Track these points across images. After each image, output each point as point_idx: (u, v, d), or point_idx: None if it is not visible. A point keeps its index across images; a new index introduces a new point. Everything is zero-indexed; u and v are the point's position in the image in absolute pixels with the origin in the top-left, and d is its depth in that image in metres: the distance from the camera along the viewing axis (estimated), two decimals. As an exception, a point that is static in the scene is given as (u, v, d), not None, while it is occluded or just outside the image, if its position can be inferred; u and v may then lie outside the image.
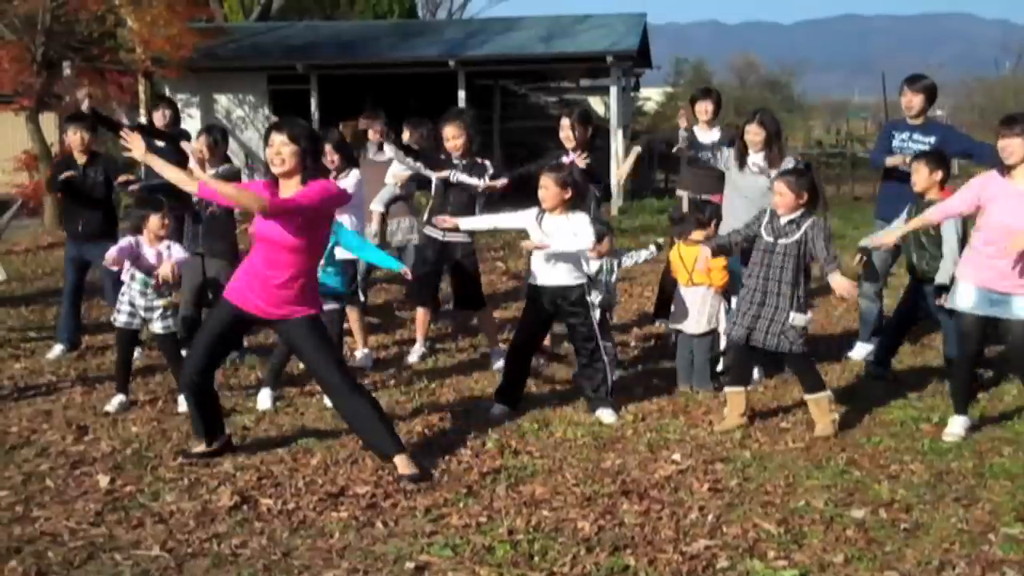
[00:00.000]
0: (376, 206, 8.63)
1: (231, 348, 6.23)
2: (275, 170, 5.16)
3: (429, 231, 7.46)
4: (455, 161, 7.25)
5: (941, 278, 6.40)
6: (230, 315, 5.34)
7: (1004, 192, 5.63)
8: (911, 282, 7.01)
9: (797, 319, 5.85)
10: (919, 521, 4.65)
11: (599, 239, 6.71)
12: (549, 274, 6.19)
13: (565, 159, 7.24)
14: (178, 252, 6.41)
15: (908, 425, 6.07)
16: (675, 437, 5.88)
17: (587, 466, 5.37)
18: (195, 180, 5.28)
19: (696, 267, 6.58)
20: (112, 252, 6.25)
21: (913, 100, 7.51)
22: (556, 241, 6.08)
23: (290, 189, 5.16)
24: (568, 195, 6.11)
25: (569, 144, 7.32)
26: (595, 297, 6.61)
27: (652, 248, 7.15)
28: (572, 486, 5.07)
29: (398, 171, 8.44)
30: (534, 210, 6.23)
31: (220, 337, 5.40)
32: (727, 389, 6.09)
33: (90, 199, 7.65)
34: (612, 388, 6.33)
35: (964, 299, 5.78)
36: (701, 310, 6.78)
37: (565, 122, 7.36)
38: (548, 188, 6.11)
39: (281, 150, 5.11)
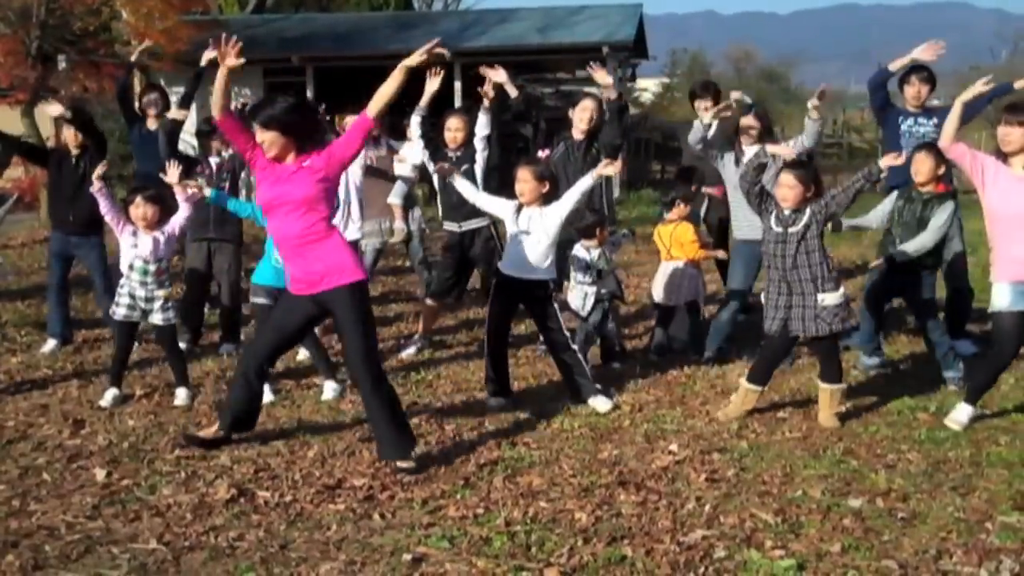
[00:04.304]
0: (395, 199, 8.53)
1: (295, 342, 6.07)
2: (268, 156, 5.15)
3: (447, 225, 7.42)
4: (450, 154, 7.23)
5: (909, 247, 6.53)
6: (289, 306, 5.35)
7: (1003, 178, 5.64)
8: (883, 270, 6.92)
9: (827, 299, 5.80)
10: (916, 510, 4.65)
11: (594, 227, 6.75)
12: (518, 266, 6.20)
13: (541, 154, 7.25)
14: (177, 221, 6.43)
15: (905, 414, 6.07)
16: (672, 427, 5.88)
17: (584, 457, 5.37)
18: (222, 109, 5.19)
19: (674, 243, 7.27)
20: (107, 204, 6.33)
21: (922, 90, 7.52)
22: (533, 235, 6.14)
23: (289, 159, 5.17)
24: (545, 188, 6.16)
25: (583, 125, 7.26)
26: (602, 289, 6.77)
27: (627, 232, 7.32)
28: (569, 477, 5.07)
29: (407, 155, 8.36)
30: (514, 203, 6.26)
31: (283, 331, 5.41)
32: (745, 384, 6.04)
33: (79, 190, 7.63)
34: (592, 374, 6.33)
35: (1001, 299, 5.69)
36: (680, 283, 7.29)
37: (588, 103, 7.31)
38: (527, 182, 6.15)
39: (263, 138, 5.10)
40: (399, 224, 8.59)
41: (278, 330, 5.43)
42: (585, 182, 6.14)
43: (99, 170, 6.48)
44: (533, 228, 6.15)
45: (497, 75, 7.17)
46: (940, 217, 6.51)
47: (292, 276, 5.28)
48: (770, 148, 6.51)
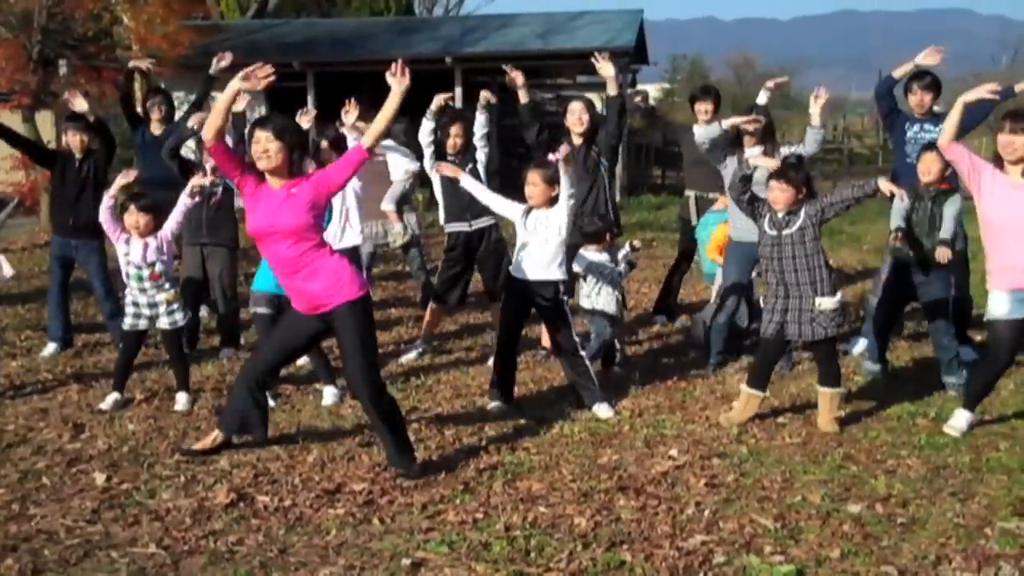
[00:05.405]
0: (388, 205, 8.51)
1: (299, 356, 6.17)
2: (261, 165, 5.12)
3: (454, 226, 7.43)
4: (450, 157, 7.26)
5: (944, 234, 6.59)
6: (294, 322, 5.35)
7: (1000, 185, 5.62)
8: (894, 271, 6.95)
9: (824, 303, 5.82)
10: (916, 516, 4.65)
11: (601, 233, 6.79)
12: (528, 268, 6.22)
13: (552, 156, 7.24)
14: (168, 227, 6.42)
15: (905, 420, 6.07)
16: (672, 433, 5.87)
17: (584, 462, 5.37)
18: (217, 132, 5.16)
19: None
20: (107, 214, 6.36)
21: (924, 98, 7.48)
22: (541, 237, 6.17)
23: (277, 185, 5.15)
24: (555, 192, 6.18)
25: (579, 128, 7.28)
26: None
27: (626, 248, 7.19)
28: (569, 482, 5.07)
29: (407, 166, 8.35)
30: (523, 206, 6.29)
31: (286, 347, 5.42)
32: (746, 390, 6.05)
33: (82, 194, 7.64)
34: (598, 381, 6.32)
35: (999, 307, 5.69)
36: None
37: (576, 106, 7.33)
38: (536, 184, 6.19)
39: (268, 146, 5.08)
40: (397, 227, 8.57)
41: (282, 347, 5.43)
42: (565, 185, 6.14)
43: (116, 186, 6.48)
44: (542, 230, 6.19)
45: (517, 78, 7.21)
46: (953, 207, 6.56)
47: (291, 298, 5.29)
48: (753, 160, 6.39)
